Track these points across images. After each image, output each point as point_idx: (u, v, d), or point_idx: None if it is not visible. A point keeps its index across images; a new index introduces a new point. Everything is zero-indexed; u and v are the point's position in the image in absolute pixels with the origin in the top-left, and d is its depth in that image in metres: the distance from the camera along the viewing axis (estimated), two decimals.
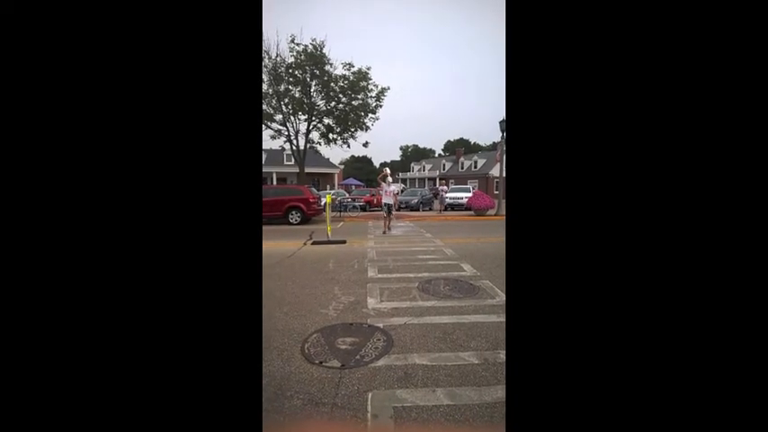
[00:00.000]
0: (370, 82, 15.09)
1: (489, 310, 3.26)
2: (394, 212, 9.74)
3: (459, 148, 47.27)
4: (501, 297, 3.60)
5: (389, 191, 9.32)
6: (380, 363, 2.29)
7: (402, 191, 20.36)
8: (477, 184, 30.45)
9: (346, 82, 14.90)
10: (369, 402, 1.88)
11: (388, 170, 9.36)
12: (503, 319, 3.02)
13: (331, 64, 14.63)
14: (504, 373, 2.16)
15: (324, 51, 14.37)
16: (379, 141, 18.14)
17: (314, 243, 7.01)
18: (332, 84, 14.81)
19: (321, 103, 15.29)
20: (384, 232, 8.84)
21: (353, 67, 14.82)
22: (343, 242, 7.08)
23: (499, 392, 1.94)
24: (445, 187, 18.47)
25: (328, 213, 7.82)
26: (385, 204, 9.40)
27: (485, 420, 1.75)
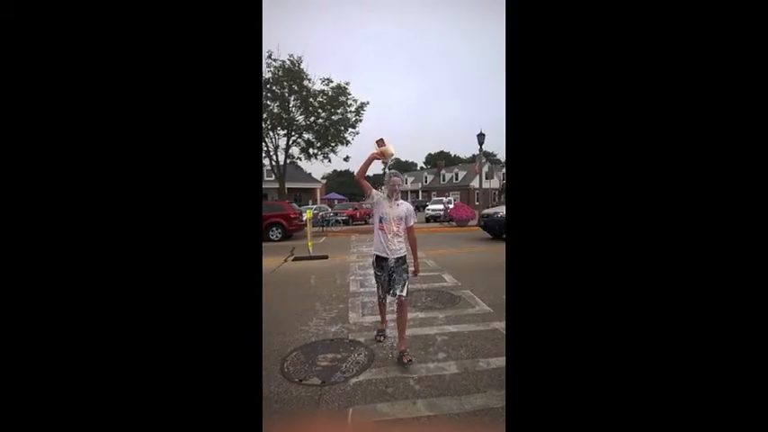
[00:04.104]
0: (350, 97, 15.28)
1: (470, 319, 3.30)
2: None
3: (440, 161, 47.79)
4: (481, 306, 3.64)
5: (395, 217, 2.49)
6: (361, 378, 2.28)
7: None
8: (458, 196, 30.85)
9: (325, 97, 15.02)
10: (348, 418, 1.86)
11: (387, 142, 2.51)
12: (482, 327, 3.06)
13: (309, 79, 14.75)
14: (484, 380, 2.17)
15: (302, 67, 14.50)
16: (361, 155, 18.04)
17: (295, 259, 6.93)
18: (311, 99, 14.90)
19: (300, 118, 15.33)
20: (378, 337, 2.82)
21: (332, 82, 14.99)
22: (325, 257, 7.03)
23: (478, 401, 1.95)
24: (451, 198, 17.86)
25: (309, 229, 7.76)
26: (376, 259, 2.54)
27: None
